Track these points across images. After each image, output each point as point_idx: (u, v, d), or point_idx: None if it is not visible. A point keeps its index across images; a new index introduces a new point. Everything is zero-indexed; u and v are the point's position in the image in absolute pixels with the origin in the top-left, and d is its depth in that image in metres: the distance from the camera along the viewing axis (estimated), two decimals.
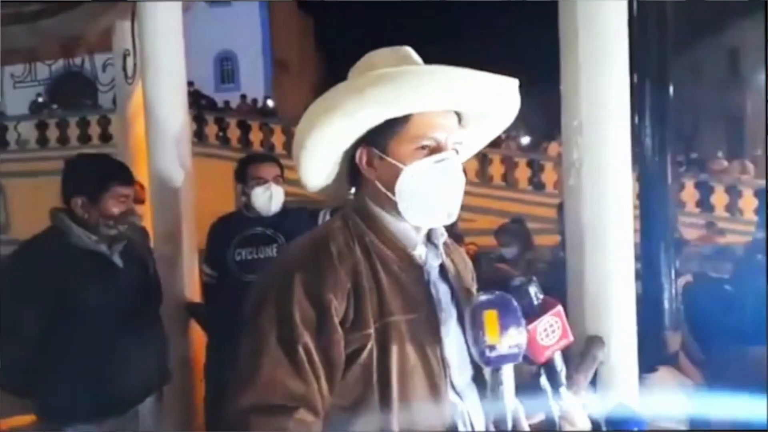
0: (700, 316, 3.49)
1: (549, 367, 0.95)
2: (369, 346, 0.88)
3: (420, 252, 0.98)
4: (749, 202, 9.53)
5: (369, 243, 0.94)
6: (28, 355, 1.69)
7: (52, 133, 12.38)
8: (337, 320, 0.87)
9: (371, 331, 0.89)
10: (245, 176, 2.35)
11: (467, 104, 0.96)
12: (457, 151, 0.96)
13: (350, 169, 0.99)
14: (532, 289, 0.94)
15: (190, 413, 2.60)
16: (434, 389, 0.91)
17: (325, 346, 0.87)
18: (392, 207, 0.95)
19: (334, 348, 0.87)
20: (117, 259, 1.85)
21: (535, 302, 0.93)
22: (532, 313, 0.91)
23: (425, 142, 0.94)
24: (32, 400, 1.81)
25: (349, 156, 0.98)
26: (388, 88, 0.90)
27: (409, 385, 0.89)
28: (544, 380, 0.94)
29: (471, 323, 0.89)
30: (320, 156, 0.97)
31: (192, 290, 2.70)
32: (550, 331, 0.93)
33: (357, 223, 0.96)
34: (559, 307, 0.95)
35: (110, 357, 1.77)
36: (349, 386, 0.88)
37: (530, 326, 0.90)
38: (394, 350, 0.89)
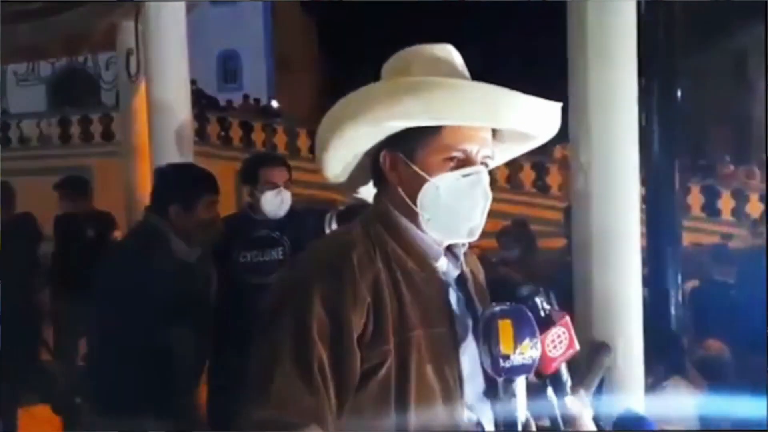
0: (706, 320, 3.47)
1: (555, 377, 0.93)
2: (388, 362, 0.85)
3: (442, 264, 0.94)
4: (756, 207, 9.49)
5: (391, 252, 0.90)
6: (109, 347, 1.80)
7: (54, 131, 12.39)
8: (355, 336, 0.84)
9: (390, 347, 0.85)
10: (255, 178, 2.29)
11: (505, 124, 0.92)
12: (486, 165, 0.92)
13: (374, 170, 0.95)
14: (539, 300, 0.92)
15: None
16: (450, 405, 0.88)
17: (340, 363, 0.83)
18: (414, 216, 0.91)
19: (350, 365, 0.84)
20: (199, 271, 1.96)
21: (542, 314, 0.92)
22: (539, 324, 0.89)
23: (454, 154, 0.89)
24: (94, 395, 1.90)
25: (374, 156, 0.94)
26: (420, 99, 0.85)
27: (425, 402, 0.86)
28: (550, 392, 0.92)
29: (485, 333, 0.87)
30: (343, 156, 0.93)
31: None
32: (558, 342, 0.91)
33: (378, 231, 0.91)
34: (567, 318, 0.93)
35: (168, 356, 1.82)
36: (365, 403, 0.85)
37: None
38: (413, 367, 0.86)
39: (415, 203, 0.90)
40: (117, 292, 1.82)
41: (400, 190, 0.91)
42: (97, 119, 12.12)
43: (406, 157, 0.90)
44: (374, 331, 0.85)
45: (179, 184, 1.93)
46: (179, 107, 2.76)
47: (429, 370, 0.87)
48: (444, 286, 0.93)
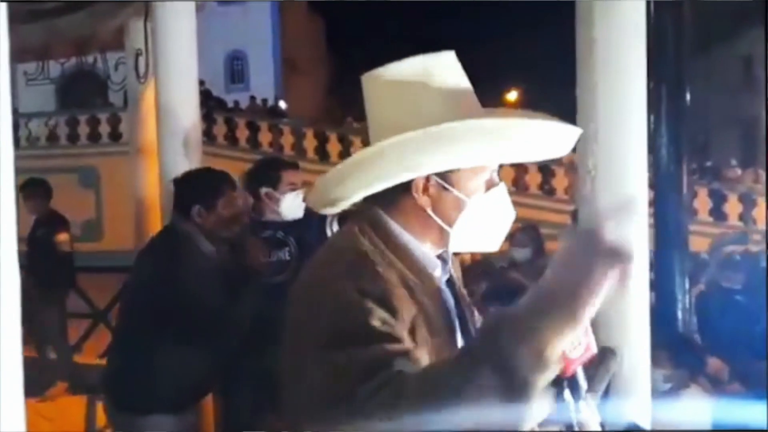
0: (712, 326, 3.45)
1: (572, 381, 0.92)
2: None
3: (438, 274, 0.94)
4: (763, 212, 9.43)
5: (392, 263, 0.89)
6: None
7: (62, 131, 12.47)
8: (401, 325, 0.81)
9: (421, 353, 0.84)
10: (277, 180, 2.30)
11: (536, 156, 0.95)
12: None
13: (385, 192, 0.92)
14: None
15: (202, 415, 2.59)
16: None
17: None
18: (423, 231, 0.92)
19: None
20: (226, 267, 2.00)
21: None
22: None
23: (488, 176, 0.92)
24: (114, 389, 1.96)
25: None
26: (454, 148, 0.86)
27: None
28: (568, 394, 0.91)
29: None
30: (360, 195, 0.92)
31: None
32: (577, 344, 0.91)
33: (377, 242, 0.90)
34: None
35: (193, 353, 1.88)
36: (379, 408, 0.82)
37: None
38: None
39: (449, 223, 0.91)
40: (150, 293, 1.88)
41: (430, 211, 0.90)
42: (105, 119, 12.21)
43: (444, 181, 0.90)
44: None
45: (198, 186, 2.02)
46: (187, 108, 2.77)
47: None
48: (441, 294, 0.94)
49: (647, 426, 1.90)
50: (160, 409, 1.88)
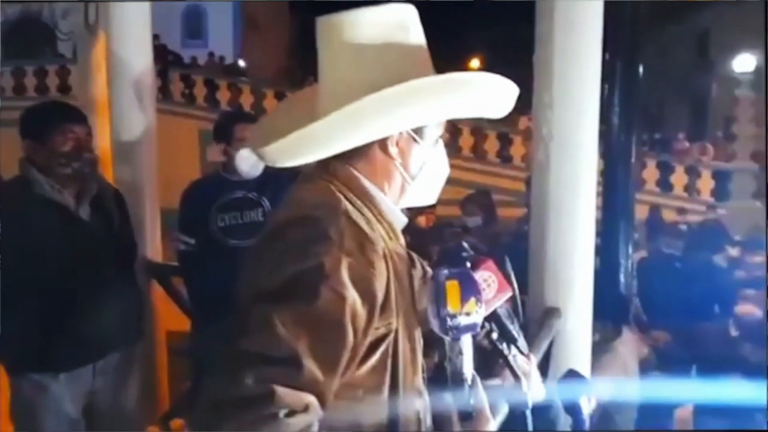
0: (651, 290, 3.65)
1: (498, 322, 1.00)
2: (391, 335, 0.85)
3: (399, 230, 0.95)
4: (707, 183, 9.85)
5: (369, 221, 0.87)
6: None
7: (7, 82, 11.82)
8: (378, 311, 0.82)
9: (394, 318, 0.85)
10: (230, 135, 2.20)
11: (490, 112, 0.94)
12: None
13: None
14: (463, 250, 1.00)
15: (152, 372, 2.58)
16: (417, 376, 0.93)
17: (361, 339, 0.80)
18: (385, 185, 0.91)
19: (366, 340, 0.81)
20: (83, 213, 1.84)
21: (467, 262, 0.98)
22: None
23: (441, 131, 0.94)
24: None
25: None
26: (422, 104, 0.85)
27: (408, 373, 0.89)
28: (496, 335, 0.99)
29: (434, 295, 0.87)
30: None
31: (154, 249, 2.66)
32: (485, 286, 0.97)
33: (353, 199, 0.87)
34: (490, 262, 0.99)
35: (69, 310, 1.76)
36: (365, 376, 0.84)
37: None
38: (401, 338, 0.87)
39: (411, 176, 0.91)
40: None
41: (398, 164, 0.89)
42: (53, 71, 11.61)
43: (415, 134, 0.90)
44: (384, 302, 0.83)
45: (30, 119, 1.83)
46: (140, 62, 2.66)
47: (407, 342, 0.89)
48: (404, 252, 0.95)
49: (587, 375, 2.03)
50: (33, 369, 1.77)
